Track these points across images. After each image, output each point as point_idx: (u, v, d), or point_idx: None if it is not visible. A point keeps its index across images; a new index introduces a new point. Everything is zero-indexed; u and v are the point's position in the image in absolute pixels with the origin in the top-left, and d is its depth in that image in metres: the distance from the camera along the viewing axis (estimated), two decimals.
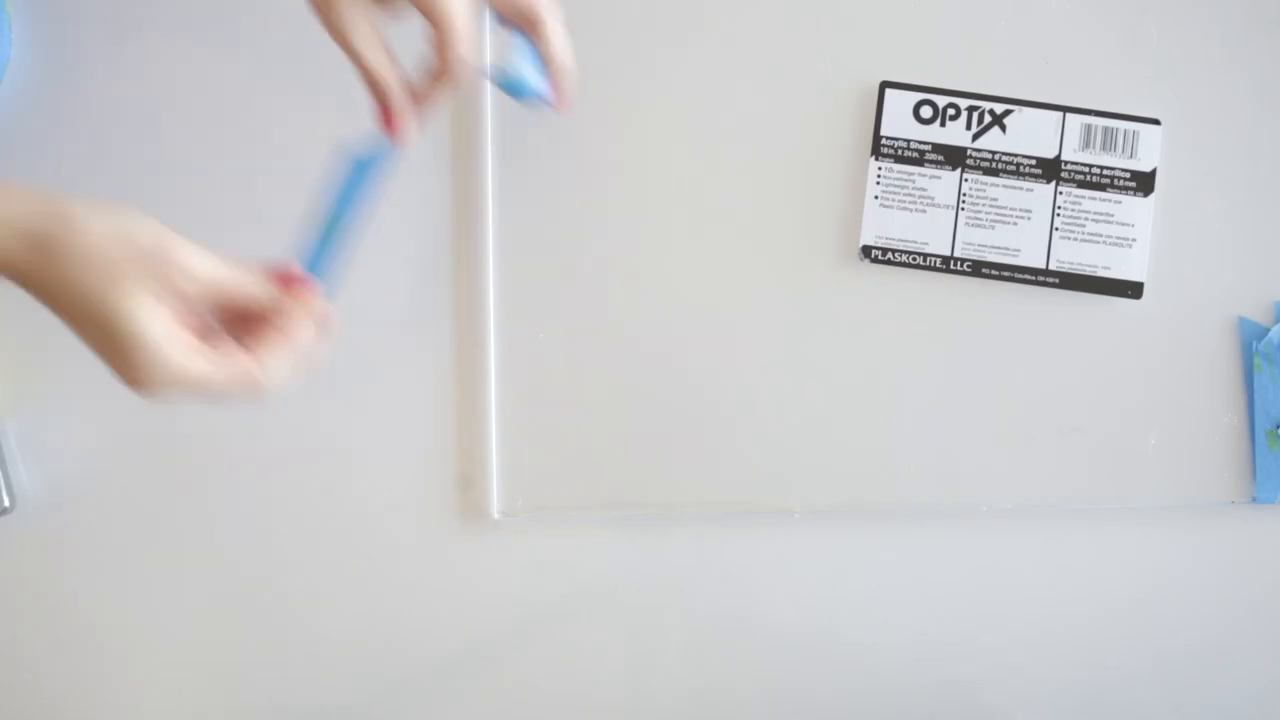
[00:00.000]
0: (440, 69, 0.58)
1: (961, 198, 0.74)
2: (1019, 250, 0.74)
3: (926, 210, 0.74)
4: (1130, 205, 0.74)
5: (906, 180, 0.74)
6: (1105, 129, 0.74)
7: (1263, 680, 0.76)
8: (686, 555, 0.75)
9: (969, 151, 0.74)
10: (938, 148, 0.74)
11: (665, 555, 0.75)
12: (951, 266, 0.74)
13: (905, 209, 0.74)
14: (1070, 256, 0.74)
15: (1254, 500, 0.74)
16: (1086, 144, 0.74)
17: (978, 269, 0.74)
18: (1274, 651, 0.76)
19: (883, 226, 0.74)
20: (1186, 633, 0.76)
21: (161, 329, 0.51)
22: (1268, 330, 0.74)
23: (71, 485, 0.75)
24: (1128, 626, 0.76)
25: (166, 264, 0.51)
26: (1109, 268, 0.74)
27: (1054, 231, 0.74)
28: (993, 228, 0.74)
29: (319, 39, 0.67)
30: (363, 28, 0.59)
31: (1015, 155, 0.74)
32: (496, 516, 0.74)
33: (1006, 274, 0.74)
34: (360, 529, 0.73)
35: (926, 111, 0.74)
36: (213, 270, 0.53)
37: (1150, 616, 0.76)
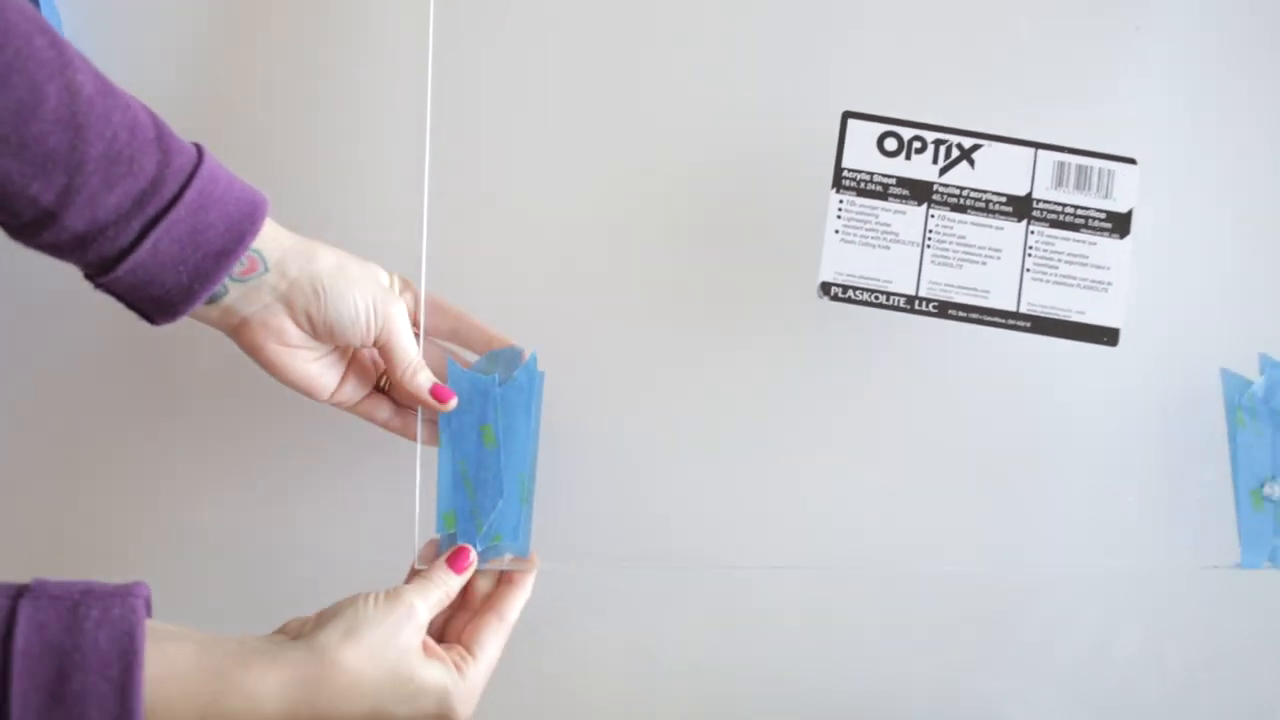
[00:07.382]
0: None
1: (927, 234, 0.70)
2: (988, 291, 0.70)
3: (890, 247, 0.70)
4: (1105, 247, 0.70)
5: (869, 214, 0.70)
6: (1079, 167, 0.70)
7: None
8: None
9: (935, 186, 0.70)
10: (902, 181, 0.70)
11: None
12: (916, 306, 0.70)
13: (868, 244, 0.70)
14: (1042, 299, 0.70)
15: (1239, 565, 0.69)
16: (1059, 182, 0.70)
17: (944, 310, 0.70)
18: None
19: (843, 262, 0.70)
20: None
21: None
22: (1250, 383, 0.70)
23: None
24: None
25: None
26: (1084, 312, 0.70)
27: (1025, 272, 0.70)
28: (960, 267, 0.70)
29: (320, 38, 0.71)
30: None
31: (984, 192, 0.70)
32: None
33: (975, 316, 0.70)
34: (359, 531, 0.72)
35: (891, 144, 0.70)
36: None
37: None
